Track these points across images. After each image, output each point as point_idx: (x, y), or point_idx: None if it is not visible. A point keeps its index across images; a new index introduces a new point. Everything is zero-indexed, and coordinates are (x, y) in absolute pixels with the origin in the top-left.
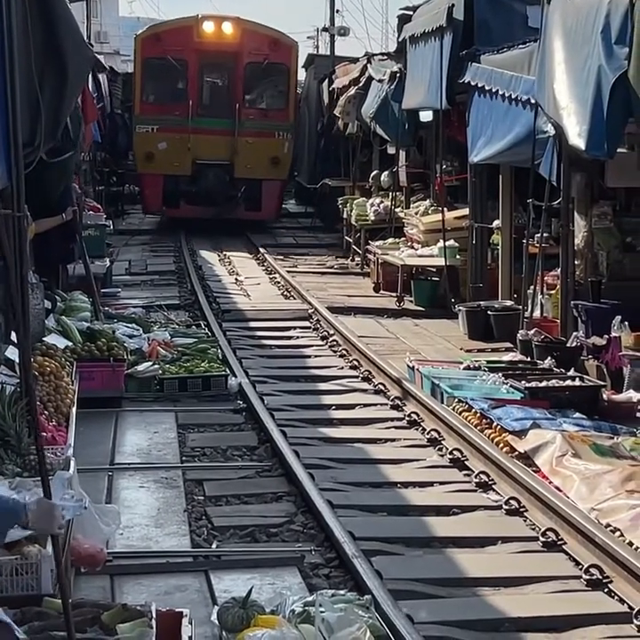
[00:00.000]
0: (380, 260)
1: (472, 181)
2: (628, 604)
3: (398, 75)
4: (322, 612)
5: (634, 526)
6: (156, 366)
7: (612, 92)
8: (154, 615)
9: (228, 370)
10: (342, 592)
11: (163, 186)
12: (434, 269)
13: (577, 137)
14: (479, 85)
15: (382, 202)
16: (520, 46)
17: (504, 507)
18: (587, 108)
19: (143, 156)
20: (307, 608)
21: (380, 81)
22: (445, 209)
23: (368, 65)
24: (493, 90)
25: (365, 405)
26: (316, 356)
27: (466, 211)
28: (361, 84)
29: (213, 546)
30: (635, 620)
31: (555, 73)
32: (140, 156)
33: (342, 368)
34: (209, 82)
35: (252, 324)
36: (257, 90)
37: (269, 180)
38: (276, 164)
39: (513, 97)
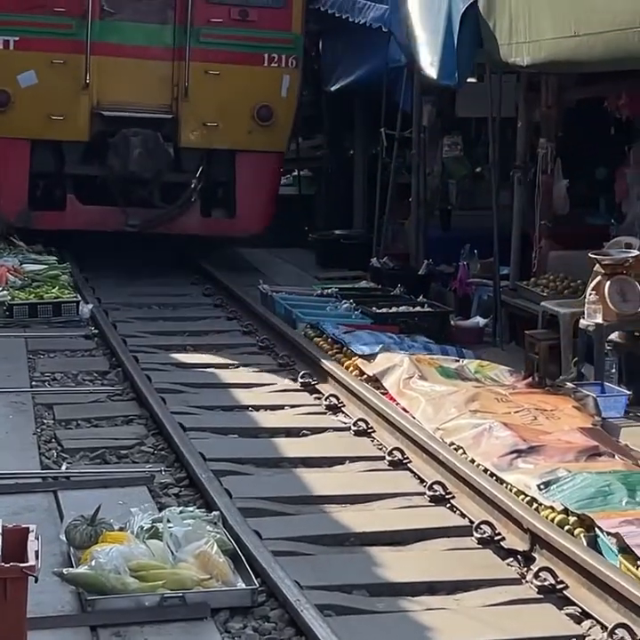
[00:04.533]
0: None
1: (327, 111)
2: (468, 518)
3: None
4: (170, 527)
5: (476, 444)
6: (5, 292)
7: (463, 21)
8: (0, 531)
9: (79, 296)
10: (191, 509)
11: (29, 164)
12: (288, 198)
13: (429, 66)
14: (334, 14)
15: None
16: None
17: (352, 428)
18: (438, 38)
19: None
20: (155, 524)
21: None
22: (300, 138)
23: None
24: (349, 19)
25: (218, 332)
26: (169, 284)
27: (321, 140)
28: None
29: (63, 467)
30: (475, 533)
31: (408, 1)
32: None
33: (196, 295)
34: None
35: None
36: None
37: (253, 152)
38: (267, 119)
39: (367, 25)
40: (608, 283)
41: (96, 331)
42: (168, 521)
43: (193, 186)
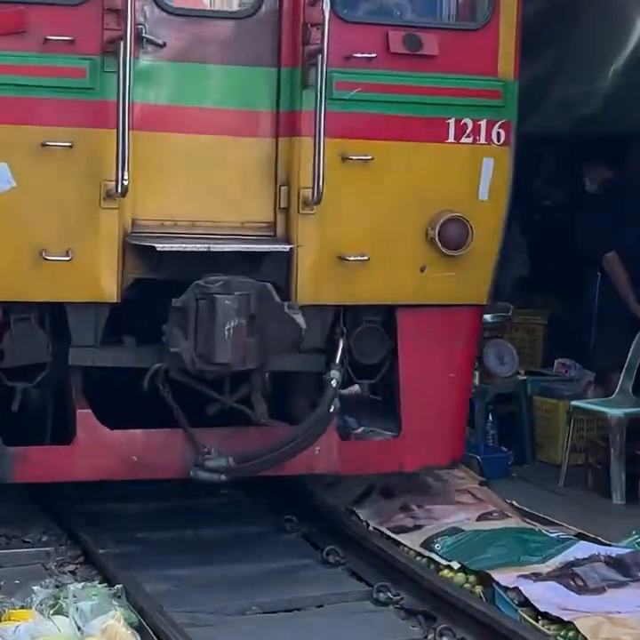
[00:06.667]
0: None
1: None
2: (366, 581)
3: None
4: (75, 601)
5: (369, 507)
6: None
7: None
8: None
9: None
10: (93, 584)
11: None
12: None
13: None
14: None
15: None
16: None
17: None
18: None
19: None
20: (58, 600)
21: None
22: None
23: None
24: None
25: None
26: None
27: None
28: None
29: None
30: (374, 596)
31: None
32: None
33: None
34: None
35: None
36: None
37: (430, 308)
38: (457, 245)
39: None
40: (486, 346)
41: None
42: (73, 596)
43: (333, 382)
